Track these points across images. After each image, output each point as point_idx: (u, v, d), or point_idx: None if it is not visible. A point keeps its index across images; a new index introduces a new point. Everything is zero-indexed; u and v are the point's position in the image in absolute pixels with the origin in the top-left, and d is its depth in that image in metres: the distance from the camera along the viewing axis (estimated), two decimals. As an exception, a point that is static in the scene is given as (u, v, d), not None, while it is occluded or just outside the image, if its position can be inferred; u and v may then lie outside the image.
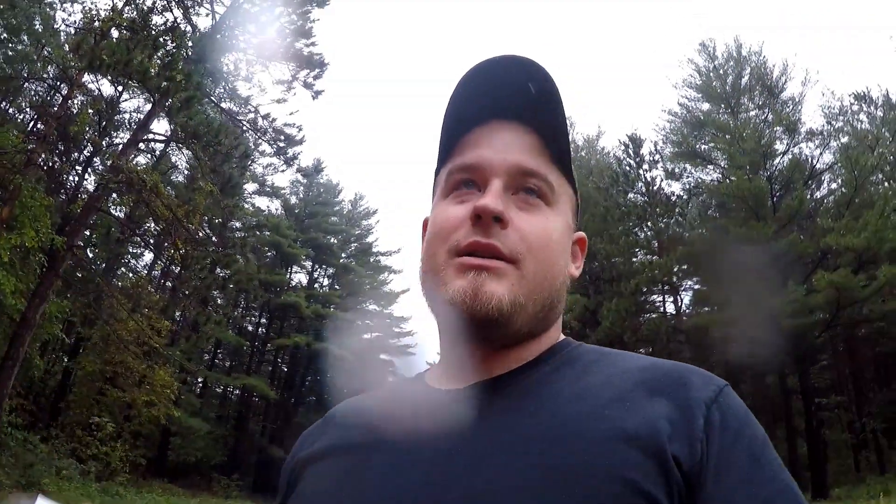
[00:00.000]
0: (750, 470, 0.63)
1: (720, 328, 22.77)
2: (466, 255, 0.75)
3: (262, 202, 35.69)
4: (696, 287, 29.51)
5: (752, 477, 0.63)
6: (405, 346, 37.91)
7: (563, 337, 0.85)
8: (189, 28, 19.05)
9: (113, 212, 20.11)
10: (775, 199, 23.79)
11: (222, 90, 22.25)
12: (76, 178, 21.03)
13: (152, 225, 21.86)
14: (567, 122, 0.81)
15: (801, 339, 21.24)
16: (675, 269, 28.22)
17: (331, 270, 39.13)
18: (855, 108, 25.13)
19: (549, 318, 0.80)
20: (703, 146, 26.85)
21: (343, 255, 38.96)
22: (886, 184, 23.27)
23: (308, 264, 37.99)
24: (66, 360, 21.78)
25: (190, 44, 18.81)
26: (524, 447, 0.66)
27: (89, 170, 18.97)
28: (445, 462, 0.68)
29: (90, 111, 18.96)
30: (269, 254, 34.33)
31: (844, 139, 23.49)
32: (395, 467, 0.71)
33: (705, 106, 27.14)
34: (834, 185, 25.25)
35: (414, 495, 0.67)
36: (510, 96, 0.79)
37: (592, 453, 0.63)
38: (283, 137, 24.20)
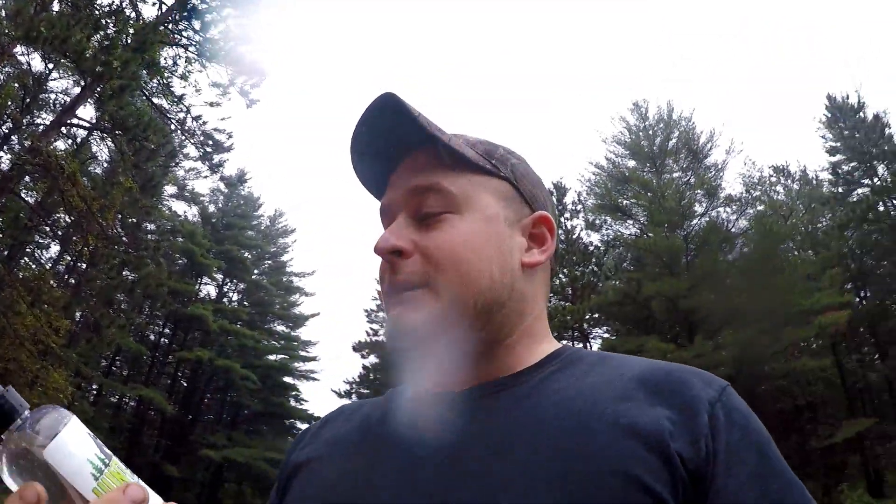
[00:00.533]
0: (759, 465, 0.65)
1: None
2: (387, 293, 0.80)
3: (180, 207, 34.41)
4: (606, 335, 30.50)
5: (761, 472, 0.65)
6: (310, 371, 37.28)
7: (560, 344, 0.87)
8: (134, 14, 18.43)
9: (24, 196, 18.87)
10: (690, 257, 24.85)
11: (156, 84, 21.44)
12: (-11, 154, 19.61)
13: (64, 216, 20.66)
14: (435, 125, 0.81)
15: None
16: (587, 317, 29.14)
17: (242, 286, 37.94)
18: (773, 179, 27.00)
19: (491, 318, 0.79)
20: (625, 201, 27.80)
21: (256, 271, 37.90)
22: (796, 252, 24.98)
23: (219, 277, 36.73)
24: (-46, 349, 20.00)
25: (132, 31, 18.19)
26: (530, 446, 0.67)
27: (5, 147, 17.75)
28: (453, 463, 0.69)
29: (15, 85, 17.83)
30: (181, 261, 32.98)
31: (760, 207, 24.92)
32: (402, 470, 0.72)
33: (631, 163, 28.13)
34: (746, 250, 26.76)
35: (425, 495, 0.68)
36: (380, 141, 0.83)
37: (597, 450, 0.64)
38: (211, 142, 23.62)
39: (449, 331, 0.75)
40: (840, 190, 24.84)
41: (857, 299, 25.13)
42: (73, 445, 0.54)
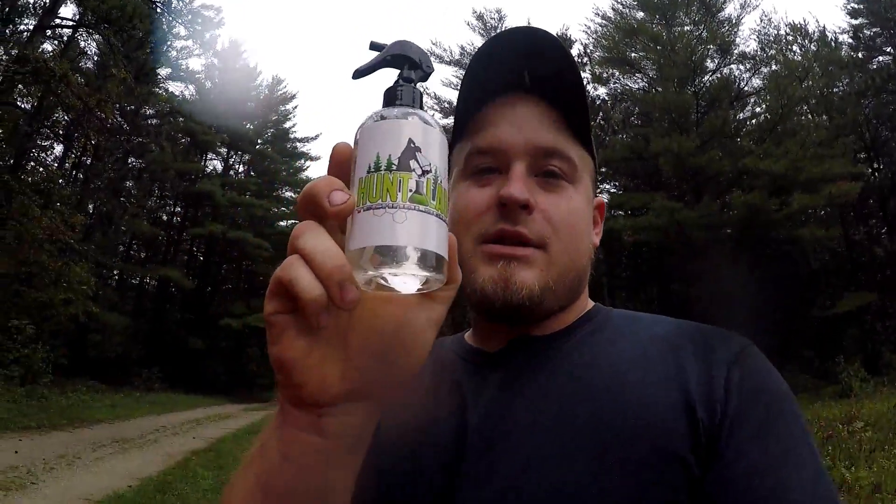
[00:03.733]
0: (764, 425, 0.66)
1: (633, 233, 23.89)
2: (493, 242, 0.76)
3: (176, 87, 33.47)
4: (614, 191, 30.48)
5: (766, 432, 0.65)
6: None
7: (592, 304, 0.88)
8: None
9: (20, 103, 18.46)
10: (700, 114, 24.29)
11: (136, -33, 20.16)
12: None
13: (62, 116, 20.30)
14: (586, 92, 0.81)
15: (709, 253, 22.54)
16: (595, 172, 28.94)
17: (246, 157, 37.75)
18: (790, 38, 25.65)
19: (578, 290, 0.83)
20: (633, 54, 26.80)
21: (259, 141, 37.52)
22: (810, 116, 24.31)
23: (223, 151, 36.44)
24: (-23, 264, 20.48)
25: (102, -85, 16.93)
26: (563, 411, 0.70)
27: (-8, 60, 17.12)
28: (488, 424, 0.73)
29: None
30: (183, 141, 32.61)
31: (775, 67, 24.02)
32: (452, 434, 0.74)
33: (640, 14, 26.84)
34: (759, 110, 26.08)
35: (469, 453, 0.71)
36: (530, 69, 0.79)
37: (634, 420, 0.67)
38: (199, 20, 22.61)
39: (548, 299, 0.76)
40: (860, 55, 23.77)
41: (870, 171, 24.75)
42: (389, 134, 0.51)
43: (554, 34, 0.78)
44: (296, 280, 0.48)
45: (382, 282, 0.49)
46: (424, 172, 0.50)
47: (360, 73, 0.60)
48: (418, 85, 0.58)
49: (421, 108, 0.56)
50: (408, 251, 0.48)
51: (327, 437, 0.55)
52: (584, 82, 0.78)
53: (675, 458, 0.63)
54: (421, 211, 0.49)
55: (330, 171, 0.53)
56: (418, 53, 0.59)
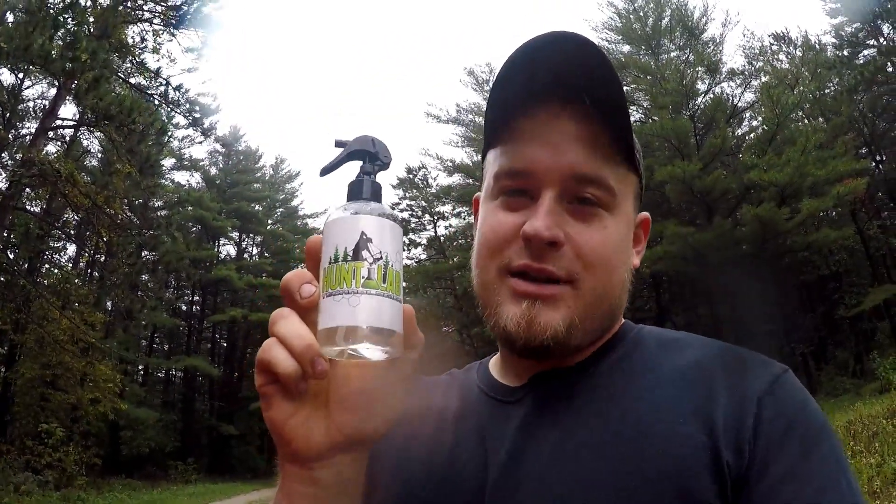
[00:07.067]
0: (797, 465, 0.62)
1: (647, 263, 23.69)
2: (518, 275, 0.73)
3: (182, 177, 34.26)
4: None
5: (798, 472, 0.62)
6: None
7: (621, 321, 0.84)
8: (90, 2, 17.71)
9: (29, 207, 18.86)
10: (698, 137, 24.33)
11: (130, 65, 20.90)
12: (-16, 178, 19.51)
13: (72, 215, 20.70)
14: (627, 102, 0.75)
15: (729, 271, 22.33)
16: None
17: (258, 238, 38.25)
18: (774, 48, 26.00)
19: (611, 322, 0.80)
20: (624, 88, 27.14)
21: (269, 221, 38.08)
22: (806, 121, 24.37)
23: (235, 235, 36.97)
24: (2, 370, 20.62)
25: (91, 19, 17.60)
26: (587, 452, 0.68)
27: (-2, 167, 17.64)
28: (510, 464, 0.71)
29: (-10, 105, 17.55)
30: (195, 229, 33.17)
31: (765, 78, 24.10)
32: (459, 464, 0.75)
33: (626, 48, 27.32)
34: (755, 123, 26.18)
35: (490, 495, 0.71)
36: (567, 77, 0.72)
37: (656, 462, 0.64)
38: (197, 108, 23.23)
39: (574, 337, 0.73)
40: (845, 53, 23.74)
41: (873, 164, 24.64)
42: (344, 229, 0.60)
43: (590, 39, 0.72)
44: (274, 360, 0.58)
45: (351, 352, 0.58)
46: (375, 260, 0.59)
47: (325, 171, 0.69)
48: (379, 175, 0.67)
49: (378, 199, 0.64)
50: (362, 330, 0.57)
51: (320, 487, 0.64)
52: (625, 94, 0.74)
53: (699, 503, 0.62)
54: (373, 294, 0.58)
55: (307, 261, 0.63)
56: (377, 146, 0.67)
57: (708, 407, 0.66)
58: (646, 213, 0.86)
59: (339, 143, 0.68)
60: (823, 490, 0.60)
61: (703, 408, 0.67)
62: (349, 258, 0.58)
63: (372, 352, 0.58)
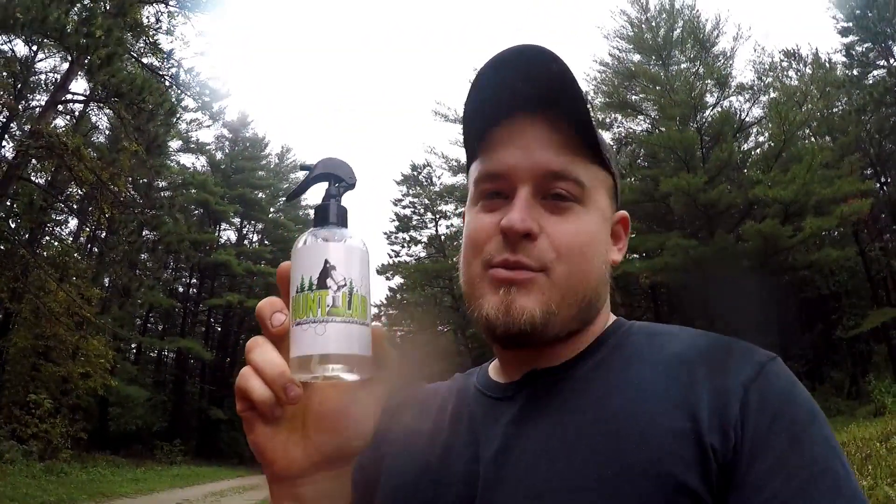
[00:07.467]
0: (786, 452, 0.63)
1: (650, 275, 23.67)
2: (498, 268, 0.77)
3: (188, 159, 34.30)
4: (632, 235, 30.38)
5: (788, 460, 0.62)
6: (339, 299, 37.99)
7: (612, 319, 0.87)
8: (108, -21, 17.77)
9: (34, 179, 18.90)
10: (705, 150, 24.35)
11: (143, 45, 20.96)
12: (-8, 146, 19.56)
13: (76, 190, 20.72)
14: (589, 107, 0.80)
15: (729, 286, 22.32)
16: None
17: (260, 226, 38.26)
18: (784, 64, 26.03)
19: (589, 313, 0.81)
20: (633, 97, 27.10)
21: (272, 209, 38.08)
22: (813, 139, 24.34)
23: (237, 221, 37.00)
24: (-5, 338, 20.65)
25: (108, -3, 17.64)
26: (569, 447, 0.70)
27: (6, 136, 17.68)
28: (500, 458, 0.74)
29: (4, 74, 17.57)
30: (197, 212, 33.20)
31: (774, 94, 24.13)
32: (467, 464, 0.77)
33: (636, 57, 27.26)
34: (762, 139, 26.19)
35: (481, 489, 0.74)
36: (533, 87, 0.77)
37: (638, 452, 0.66)
38: (207, 92, 23.24)
39: (551, 323, 0.76)
40: (855, 73, 23.90)
41: (878, 185, 24.64)
42: (309, 258, 0.62)
43: (552, 49, 0.77)
44: (249, 388, 0.62)
45: (323, 378, 0.62)
46: (340, 287, 0.61)
47: (292, 197, 0.76)
48: (345, 195, 0.70)
49: (343, 222, 0.67)
50: (331, 357, 0.60)
51: (305, 502, 0.69)
52: (586, 96, 0.79)
53: (683, 490, 0.63)
54: (338, 322, 0.61)
55: (280, 288, 0.67)
56: (341, 168, 0.70)
57: (692, 395, 0.68)
58: (624, 212, 0.89)
59: (304, 167, 0.71)
60: (816, 478, 0.61)
61: (686, 396, 0.68)
62: (314, 287, 0.61)
63: (342, 376, 0.61)
